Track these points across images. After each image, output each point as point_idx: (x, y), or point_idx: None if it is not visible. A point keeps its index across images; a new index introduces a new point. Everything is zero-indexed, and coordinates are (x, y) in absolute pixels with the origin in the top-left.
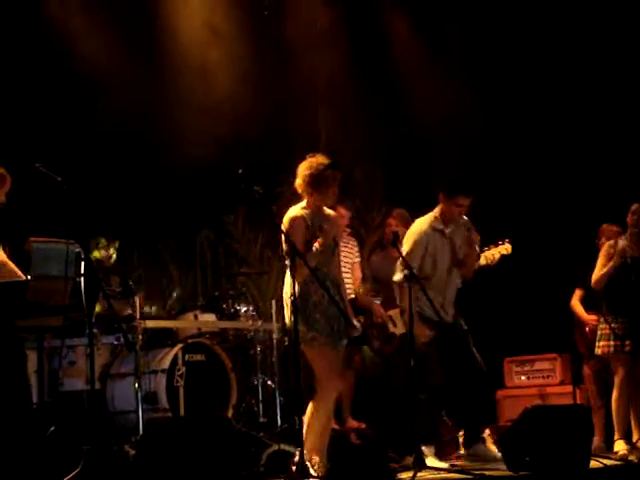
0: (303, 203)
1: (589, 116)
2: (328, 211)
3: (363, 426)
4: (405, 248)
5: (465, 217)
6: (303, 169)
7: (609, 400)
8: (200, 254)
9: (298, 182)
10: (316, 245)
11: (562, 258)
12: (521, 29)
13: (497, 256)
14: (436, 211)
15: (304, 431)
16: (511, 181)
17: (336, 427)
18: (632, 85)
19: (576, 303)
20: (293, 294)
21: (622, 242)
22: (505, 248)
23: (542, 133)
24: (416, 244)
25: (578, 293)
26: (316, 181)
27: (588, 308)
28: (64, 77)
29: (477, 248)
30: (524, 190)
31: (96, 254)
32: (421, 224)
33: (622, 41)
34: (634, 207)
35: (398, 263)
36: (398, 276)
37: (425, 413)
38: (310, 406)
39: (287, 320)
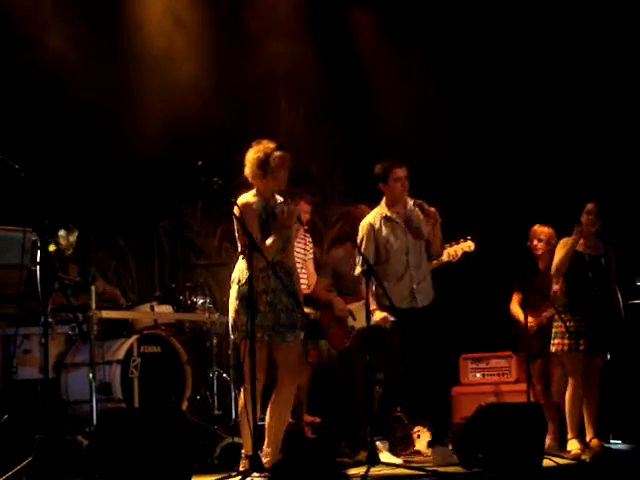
0: (253, 191)
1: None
2: (280, 199)
3: (317, 420)
4: (357, 256)
5: (412, 200)
6: (250, 155)
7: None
8: (158, 245)
9: (247, 170)
10: (270, 240)
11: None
12: (484, 24)
13: (459, 253)
14: (382, 202)
15: (244, 420)
16: (473, 177)
17: (290, 421)
18: (578, 85)
19: (514, 306)
20: (247, 282)
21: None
22: (467, 245)
23: (499, 131)
24: (365, 237)
25: (516, 297)
26: (263, 165)
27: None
28: (23, 66)
29: (438, 218)
30: (485, 187)
31: (54, 246)
32: (367, 217)
33: (583, 36)
34: (589, 207)
35: (357, 258)
36: (357, 270)
37: (381, 408)
38: (240, 398)
39: (230, 309)
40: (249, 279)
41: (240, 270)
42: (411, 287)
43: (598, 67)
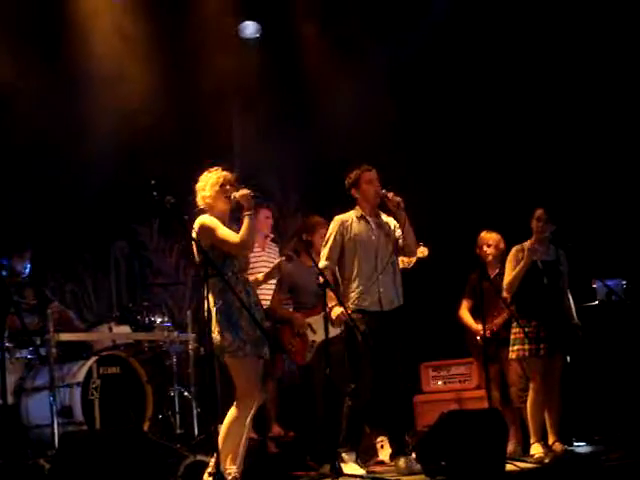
0: (208, 213)
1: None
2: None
3: (290, 434)
4: (323, 249)
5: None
6: (199, 184)
7: (510, 405)
8: (115, 265)
9: (198, 198)
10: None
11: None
12: (438, 29)
13: (413, 259)
14: (356, 207)
15: (220, 440)
16: (423, 185)
17: (254, 436)
18: (528, 84)
19: (464, 313)
20: (207, 303)
21: (529, 246)
22: (421, 251)
23: (447, 138)
24: (333, 232)
25: (465, 304)
26: (213, 187)
27: (475, 317)
28: None
29: (402, 207)
30: (434, 194)
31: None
32: (339, 216)
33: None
34: (538, 213)
35: (322, 251)
36: (321, 263)
37: (351, 418)
38: (230, 413)
39: (214, 332)
40: (222, 295)
41: (212, 293)
42: (379, 290)
43: (549, 73)
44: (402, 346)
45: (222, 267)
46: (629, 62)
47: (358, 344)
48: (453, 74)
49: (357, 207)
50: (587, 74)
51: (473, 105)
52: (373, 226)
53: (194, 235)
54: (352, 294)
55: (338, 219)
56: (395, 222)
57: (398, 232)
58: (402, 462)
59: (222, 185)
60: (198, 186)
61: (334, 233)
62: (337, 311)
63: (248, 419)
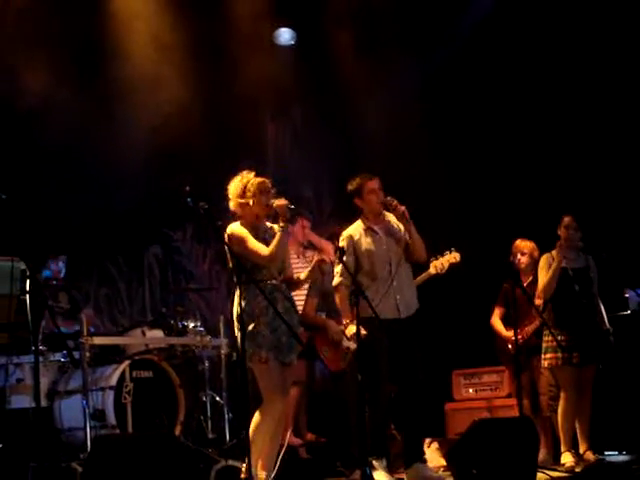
0: (239, 221)
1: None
2: (269, 224)
3: (322, 440)
4: (337, 266)
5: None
6: (231, 188)
7: (540, 413)
8: (148, 270)
9: (230, 204)
10: (273, 243)
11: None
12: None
13: (446, 265)
14: (360, 217)
15: (250, 446)
16: (455, 191)
17: (293, 440)
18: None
19: (496, 320)
20: (240, 309)
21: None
22: (454, 257)
23: (481, 146)
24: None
25: (497, 312)
26: (244, 193)
27: (507, 325)
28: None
29: (407, 216)
30: (466, 200)
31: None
32: (347, 230)
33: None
34: (567, 220)
35: (336, 268)
36: (335, 280)
37: (372, 426)
38: (255, 418)
39: (238, 340)
40: (247, 303)
41: (237, 304)
42: (395, 297)
43: (574, 80)
44: (422, 352)
45: (252, 273)
46: None
47: (375, 354)
48: (486, 82)
49: (362, 218)
50: (623, 84)
51: (505, 113)
52: (382, 235)
53: (226, 241)
54: (366, 303)
55: (347, 234)
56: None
57: (407, 236)
58: (420, 470)
59: (261, 192)
60: (232, 191)
61: (347, 250)
62: (352, 330)
63: (273, 425)
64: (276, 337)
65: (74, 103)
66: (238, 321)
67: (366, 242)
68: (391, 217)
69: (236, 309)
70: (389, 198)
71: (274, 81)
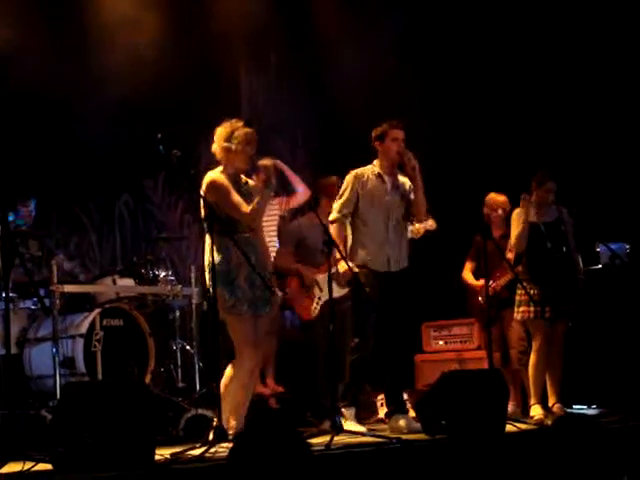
0: (220, 168)
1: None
2: (246, 179)
3: (281, 389)
4: (337, 202)
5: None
6: (218, 131)
7: (510, 366)
8: (119, 219)
9: (214, 146)
10: (254, 203)
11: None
12: None
13: (422, 231)
14: (375, 161)
15: (221, 395)
16: (431, 147)
17: (262, 390)
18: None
19: (467, 274)
20: (212, 259)
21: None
22: (429, 224)
23: (454, 104)
24: (348, 186)
25: (469, 265)
26: (230, 139)
27: (477, 278)
28: None
29: (417, 170)
30: (442, 155)
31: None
32: (356, 170)
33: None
34: (550, 185)
35: (334, 204)
36: (332, 215)
37: (353, 372)
38: (227, 371)
39: (208, 285)
40: (222, 252)
41: (209, 254)
42: (388, 251)
43: (550, 34)
44: (408, 306)
45: (226, 224)
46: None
47: (363, 301)
48: (464, 33)
49: (375, 162)
50: (593, 39)
51: (477, 66)
52: (389, 185)
53: (202, 189)
54: (361, 253)
55: (354, 173)
56: (410, 184)
57: (412, 195)
58: (401, 421)
59: (249, 143)
60: (218, 134)
61: (349, 187)
62: (344, 266)
63: (246, 376)
64: (253, 291)
65: (44, 47)
66: (210, 271)
67: (372, 184)
68: (400, 177)
69: (208, 259)
70: (407, 150)
71: (250, 30)
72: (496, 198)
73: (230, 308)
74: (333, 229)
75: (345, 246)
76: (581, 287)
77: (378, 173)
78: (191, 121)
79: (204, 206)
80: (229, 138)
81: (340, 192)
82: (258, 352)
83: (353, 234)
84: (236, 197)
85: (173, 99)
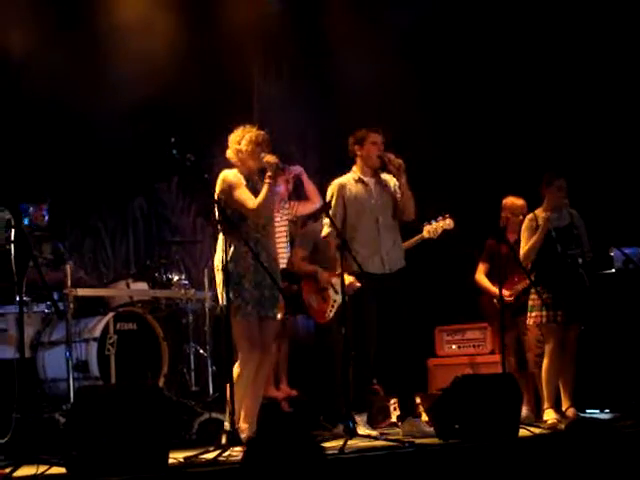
0: (235, 169)
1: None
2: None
3: (294, 393)
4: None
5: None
6: (232, 136)
7: (526, 371)
8: (133, 222)
9: (228, 152)
10: (260, 197)
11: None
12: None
13: (439, 230)
14: (354, 167)
15: (230, 399)
16: (443, 150)
17: (275, 394)
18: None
19: (481, 277)
20: (225, 260)
21: (542, 214)
22: (447, 223)
23: (469, 106)
24: (333, 196)
25: (482, 267)
26: (241, 140)
27: (492, 281)
28: None
29: (403, 169)
30: (456, 156)
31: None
32: (337, 180)
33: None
34: (559, 183)
35: (324, 219)
36: (324, 231)
37: (356, 380)
38: (233, 374)
39: (218, 287)
40: (231, 254)
41: (221, 251)
42: (381, 252)
43: (564, 34)
44: (407, 308)
45: (236, 224)
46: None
47: (362, 308)
48: (474, 34)
49: (354, 168)
50: (609, 42)
51: (492, 69)
52: (372, 188)
53: (216, 188)
54: (355, 257)
55: (337, 183)
56: (396, 182)
57: (399, 194)
58: (414, 425)
59: (259, 144)
60: (232, 139)
61: (335, 197)
62: (349, 279)
63: (251, 378)
64: (260, 292)
65: (58, 51)
66: (222, 271)
67: (355, 190)
68: (384, 175)
69: (220, 259)
70: (386, 153)
71: (263, 35)
72: (517, 202)
73: (235, 310)
74: (329, 244)
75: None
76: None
77: (359, 178)
78: (205, 125)
79: (217, 207)
80: (240, 141)
81: (327, 203)
82: (265, 355)
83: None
84: (243, 193)
85: (187, 103)
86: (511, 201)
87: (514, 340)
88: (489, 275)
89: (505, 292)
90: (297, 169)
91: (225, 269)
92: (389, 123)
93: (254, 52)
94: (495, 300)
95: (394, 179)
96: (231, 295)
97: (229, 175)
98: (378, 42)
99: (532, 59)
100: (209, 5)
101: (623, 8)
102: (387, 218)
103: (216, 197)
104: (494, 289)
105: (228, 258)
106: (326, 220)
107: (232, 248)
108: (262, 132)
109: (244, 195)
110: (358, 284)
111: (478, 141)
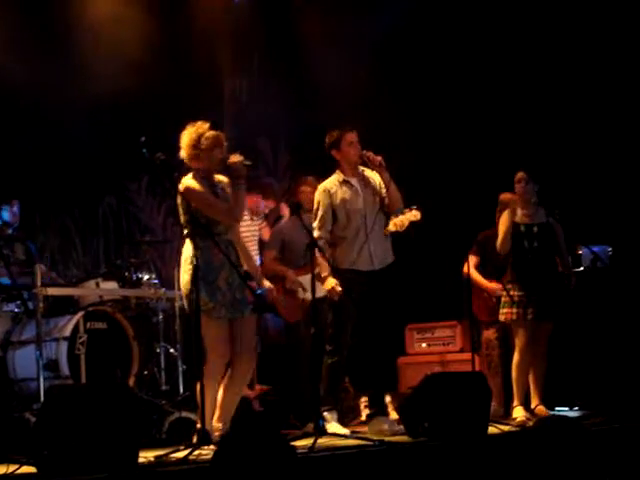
0: (191, 174)
1: (491, 84)
2: (220, 177)
3: (265, 389)
4: (315, 220)
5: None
6: (184, 138)
7: (508, 366)
8: (103, 222)
9: (182, 153)
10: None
11: (458, 225)
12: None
13: (406, 223)
14: (337, 170)
15: (200, 398)
16: (416, 148)
17: (246, 392)
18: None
19: (473, 270)
20: (195, 262)
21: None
22: (414, 215)
23: (446, 101)
24: (320, 202)
25: (473, 259)
26: (197, 145)
27: (484, 275)
28: None
29: (383, 166)
30: (428, 158)
31: None
32: (323, 183)
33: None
34: (519, 175)
35: (314, 223)
36: (316, 233)
37: (329, 377)
38: (203, 374)
39: (183, 286)
40: (201, 254)
41: (189, 250)
42: (369, 249)
43: (530, 34)
44: (389, 307)
45: (206, 227)
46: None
47: (344, 306)
48: (447, 34)
49: (338, 171)
50: (572, 41)
51: (462, 65)
52: (358, 188)
53: (179, 194)
54: (342, 255)
55: (323, 187)
56: (380, 178)
57: (384, 189)
58: (382, 423)
59: (215, 145)
60: (184, 140)
61: (322, 202)
62: (331, 283)
63: (218, 377)
64: (232, 293)
65: (27, 49)
66: (189, 272)
67: (342, 194)
68: (367, 171)
69: (189, 261)
70: (364, 151)
71: (233, 32)
72: (510, 197)
73: (209, 311)
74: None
75: (329, 263)
76: (573, 284)
77: (344, 180)
78: (174, 123)
79: (183, 210)
80: (196, 144)
81: (314, 210)
82: (246, 353)
83: (337, 244)
84: (211, 198)
85: (156, 101)
86: (505, 196)
87: (502, 335)
88: (479, 268)
89: (493, 285)
90: (240, 158)
91: (195, 269)
92: (360, 118)
93: (224, 48)
94: (486, 294)
95: (378, 175)
96: (205, 297)
97: (190, 185)
98: (351, 41)
99: (504, 60)
100: (178, 3)
101: (599, 14)
102: (375, 215)
103: (181, 201)
104: (485, 282)
105: (200, 258)
106: (315, 223)
107: (203, 249)
108: (219, 133)
109: (211, 200)
110: (339, 289)
111: (447, 142)
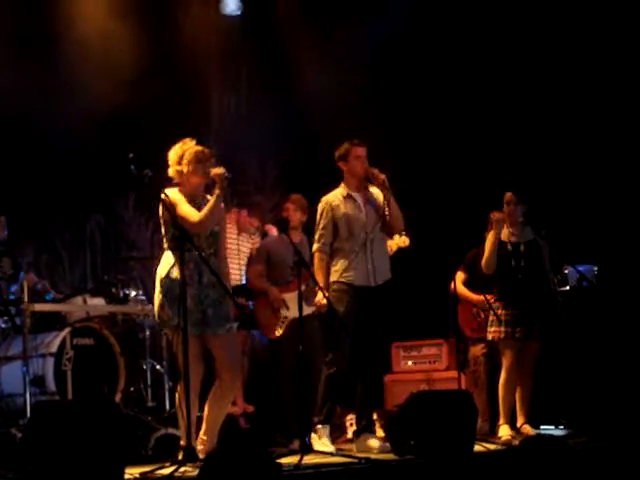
0: (177, 188)
1: (479, 103)
2: (207, 197)
3: (250, 409)
4: (316, 232)
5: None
6: (171, 154)
7: (495, 383)
8: (90, 238)
9: (169, 170)
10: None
11: (446, 243)
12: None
13: (394, 248)
14: (342, 183)
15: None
16: (406, 165)
17: (232, 410)
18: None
19: (460, 286)
20: (182, 275)
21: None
22: (403, 241)
23: (434, 120)
24: (322, 215)
25: (461, 276)
26: (181, 161)
27: (472, 292)
28: None
29: (387, 184)
30: (417, 174)
31: None
32: (326, 196)
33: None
34: (508, 197)
35: (315, 235)
36: (314, 247)
37: (326, 391)
38: (177, 394)
39: (155, 304)
40: (174, 270)
41: (164, 264)
42: (368, 265)
43: (520, 53)
44: (383, 325)
45: (182, 240)
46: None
47: (337, 319)
48: (434, 51)
49: (343, 184)
50: (563, 59)
51: (453, 84)
52: (360, 203)
53: (160, 208)
54: (338, 267)
55: (325, 200)
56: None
57: (387, 209)
58: (369, 441)
59: (198, 160)
60: (171, 157)
61: (325, 215)
62: (319, 296)
63: (192, 394)
64: (201, 310)
65: (15, 64)
66: (164, 286)
67: (345, 208)
68: (372, 189)
69: (162, 274)
70: (371, 169)
71: (220, 50)
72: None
73: (176, 327)
74: (315, 259)
75: (326, 276)
76: (560, 310)
77: (348, 194)
78: (162, 139)
79: (164, 223)
80: (180, 160)
81: (317, 222)
82: (231, 372)
83: (334, 256)
84: (185, 208)
85: (144, 117)
86: (498, 216)
87: (488, 352)
88: (467, 284)
89: (482, 298)
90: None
91: (182, 283)
92: (350, 134)
93: (212, 63)
94: (475, 310)
95: (382, 193)
96: (170, 312)
97: (170, 194)
98: (338, 57)
99: (493, 80)
100: (167, 19)
101: (586, 23)
102: (376, 232)
103: (161, 217)
104: (474, 296)
105: (167, 274)
106: (316, 234)
107: (174, 264)
108: (202, 148)
109: (186, 211)
110: (324, 301)
111: (436, 160)
